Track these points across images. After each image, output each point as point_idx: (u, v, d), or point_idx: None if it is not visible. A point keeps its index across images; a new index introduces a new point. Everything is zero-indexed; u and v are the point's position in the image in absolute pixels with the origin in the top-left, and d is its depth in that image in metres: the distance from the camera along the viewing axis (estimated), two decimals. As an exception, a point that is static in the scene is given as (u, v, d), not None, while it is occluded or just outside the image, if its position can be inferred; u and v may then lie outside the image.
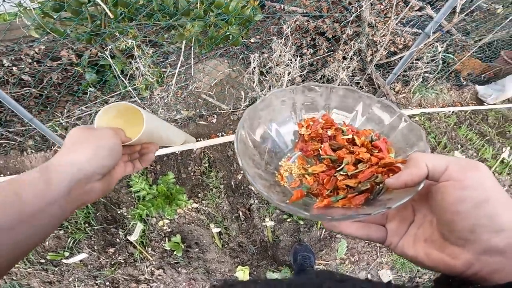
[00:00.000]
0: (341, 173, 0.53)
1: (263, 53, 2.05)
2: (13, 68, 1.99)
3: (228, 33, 1.98)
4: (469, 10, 2.18)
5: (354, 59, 2.20)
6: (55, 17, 1.73)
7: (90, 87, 2.12)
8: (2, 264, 0.37)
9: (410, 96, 2.44)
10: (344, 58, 2.20)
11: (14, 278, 1.65)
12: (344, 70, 2.19)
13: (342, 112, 0.64)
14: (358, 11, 2.07)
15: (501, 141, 2.35)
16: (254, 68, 2.05)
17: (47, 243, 1.70)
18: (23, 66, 2.01)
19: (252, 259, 1.80)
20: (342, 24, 2.15)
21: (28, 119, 1.66)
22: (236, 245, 1.82)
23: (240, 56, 2.17)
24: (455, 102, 2.60)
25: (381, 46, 2.16)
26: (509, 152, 2.13)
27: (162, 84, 2.14)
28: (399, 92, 2.44)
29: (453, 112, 2.47)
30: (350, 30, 2.11)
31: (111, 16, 1.73)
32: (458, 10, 1.94)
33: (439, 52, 2.36)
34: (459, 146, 2.26)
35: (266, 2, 2.27)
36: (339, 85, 2.22)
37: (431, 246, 0.39)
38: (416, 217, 0.44)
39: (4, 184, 0.40)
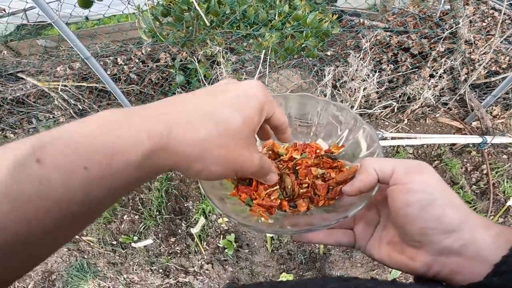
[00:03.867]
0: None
1: (338, 66, 2.01)
2: (125, 66, 2.36)
3: (304, 45, 2.00)
4: None
5: (443, 78, 1.99)
6: (162, 21, 1.98)
7: (178, 88, 2.39)
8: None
9: (510, 122, 2.10)
10: (431, 76, 2.01)
11: (85, 256, 1.95)
12: (430, 89, 2.00)
13: (303, 122, 0.63)
14: (454, 28, 1.86)
15: None
16: (328, 81, 2.03)
17: (123, 225, 1.99)
18: (132, 65, 2.37)
19: (298, 268, 1.81)
20: (432, 40, 1.96)
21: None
22: (285, 252, 1.86)
23: (315, 69, 2.16)
24: None
25: (480, 65, 1.91)
26: None
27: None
28: (497, 116, 2.12)
29: None
30: (442, 47, 1.91)
31: (207, 23, 1.92)
32: None
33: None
34: None
35: (344, 16, 2.21)
36: (422, 105, 2.06)
37: (393, 248, 0.39)
38: (381, 218, 0.44)
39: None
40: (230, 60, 2.20)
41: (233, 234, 1.89)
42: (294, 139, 0.64)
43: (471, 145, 2.06)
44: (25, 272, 0.26)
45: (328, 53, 2.07)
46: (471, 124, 2.11)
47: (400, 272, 1.75)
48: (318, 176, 0.56)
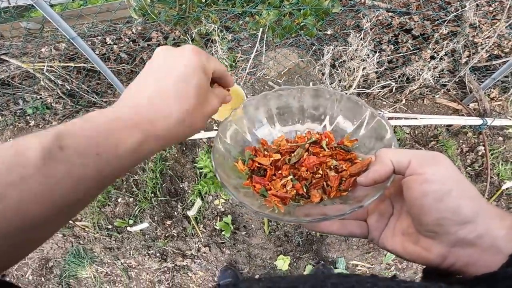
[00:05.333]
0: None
1: (337, 46, 1.95)
2: (114, 46, 2.27)
3: (303, 24, 1.93)
4: None
5: (444, 60, 1.96)
6: None
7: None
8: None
9: (507, 105, 2.10)
10: (432, 57, 1.97)
11: (81, 242, 1.93)
12: (430, 70, 1.97)
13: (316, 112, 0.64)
14: (460, 10, 1.81)
15: None
16: (327, 60, 1.98)
17: (117, 209, 1.96)
18: (122, 45, 2.27)
19: (295, 250, 1.83)
20: (436, 22, 1.91)
21: (121, 89, 1.91)
22: (283, 234, 1.87)
23: (313, 48, 2.10)
24: None
25: (483, 49, 1.88)
26: None
27: (235, 68, 2.22)
28: (495, 99, 2.11)
29: None
30: (446, 29, 1.86)
31: (202, 0, 1.82)
32: None
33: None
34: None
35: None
36: (420, 86, 2.03)
37: (407, 239, 0.40)
38: (394, 210, 0.44)
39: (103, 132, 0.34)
40: (226, 38, 2.13)
41: (230, 216, 1.88)
42: (307, 130, 0.65)
43: (467, 126, 2.06)
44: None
45: (328, 32, 2.00)
46: (468, 105, 2.10)
47: (393, 257, 1.78)
48: (331, 167, 0.56)
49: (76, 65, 2.16)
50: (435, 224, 0.34)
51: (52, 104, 2.24)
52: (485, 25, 1.87)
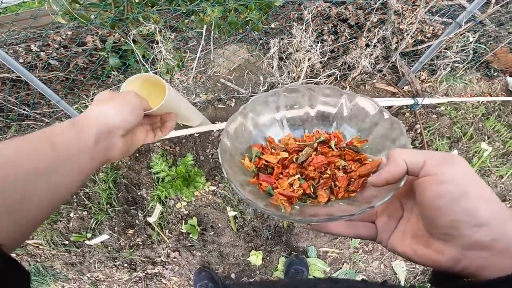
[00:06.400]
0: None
1: (282, 39, 2.02)
2: (41, 53, 2.07)
3: (248, 19, 1.96)
4: (505, 2, 2.07)
5: (377, 47, 2.14)
6: (81, 2, 1.76)
7: (113, 71, 2.17)
8: (39, 211, 0.39)
9: (436, 86, 2.35)
10: (367, 45, 2.14)
11: (38, 260, 1.73)
12: (366, 58, 2.13)
13: (327, 107, 0.63)
14: (383, -2, 2.01)
15: (532, 134, 2.23)
16: (274, 53, 2.03)
17: (71, 224, 1.77)
18: (50, 51, 2.08)
19: (266, 244, 1.81)
20: (366, 11, 2.08)
21: (56, 101, 1.73)
22: (251, 230, 1.83)
23: (260, 42, 2.15)
24: (484, 93, 2.48)
25: (408, 35, 2.08)
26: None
27: (183, 68, 2.17)
28: (425, 81, 2.36)
29: (481, 102, 2.37)
30: (375, 17, 2.04)
31: (136, 0, 1.75)
32: (493, 0, 1.85)
33: (471, 42, 2.26)
34: (486, 137, 2.17)
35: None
36: (360, 73, 2.19)
37: (418, 242, 0.39)
38: (405, 212, 0.43)
39: (37, 133, 0.42)
40: (169, 38, 2.07)
41: (195, 218, 1.80)
42: (316, 128, 0.65)
43: (405, 107, 2.26)
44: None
45: (272, 25, 2.06)
46: (403, 88, 2.31)
47: (360, 240, 1.84)
48: (340, 167, 0.56)
49: (-2, 75, 1.92)
50: (450, 226, 0.33)
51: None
52: (407, 11, 2.08)
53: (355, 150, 0.58)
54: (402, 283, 1.73)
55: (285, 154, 0.58)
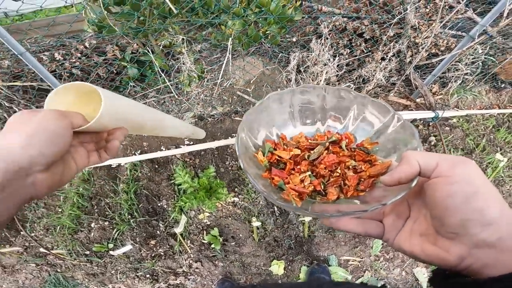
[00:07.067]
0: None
1: (301, 52, 2.07)
2: (65, 62, 2.08)
3: (268, 32, 2.00)
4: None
5: (392, 60, 2.19)
6: (114, 11, 1.78)
7: (131, 82, 2.19)
8: None
9: (447, 98, 2.40)
10: (382, 59, 2.19)
11: (58, 270, 1.74)
12: (381, 71, 2.18)
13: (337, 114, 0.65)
14: (403, 13, 2.06)
15: (541, 146, 2.29)
16: (293, 66, 2.07)
17: (92, 234, 1.78)
18: (73, 60, 2.10)
19: (287, 253, 1.83)
20: (384, 26, 2.13)
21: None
22: (272, 240, 1.85)
23: (279, 55, 2.19)
24: (493, 104, 2.54)
25: (423, 48, 2.14)
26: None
27: (202, 79, 2.20)
28: (436, 93, 2.41)
29: (490, 115, 2.42)
30: (392, 32, 2.09)
31: (174, 11, 1.78)
32: (505, 14, 1.90)
33: (481, 54, 2.32)
34: (498, 148, 2.22)
35: (303, 2, 2.28)
36: (374, 86, 2.23)
37: (426, 240, 0.40)
38: (412, 212, 0.45)
39: None
40: (193, 50, 2.11)
41: (216, 229, 1.82)
42: (327, 129, 0.67)
43: (418, 120, 2.30)
44: None
45: (294, 39, 2.11)
46: (415, 101, 2.36)
47: (380, 248, 1.87)
48: (350, 167, 0.57)
49: (23, 84, 1.93)
50: (459, 225, 0.35)
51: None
52: (423, 26, 2.13)
53: (366, 151, 0.60)
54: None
55: (298, 151, 0.60)
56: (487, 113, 2.39)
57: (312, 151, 0.60)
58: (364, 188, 0.53)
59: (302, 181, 0.55)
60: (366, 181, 0.53)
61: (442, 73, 2.34)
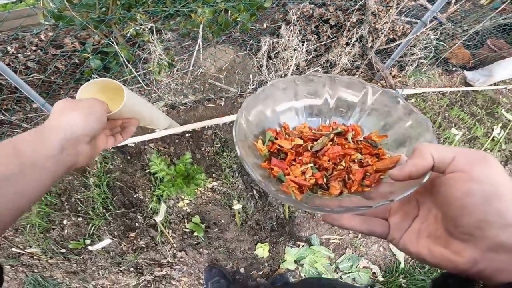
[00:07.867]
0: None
1: (270, 38, 2.10)
2: (19, 55, 1.94)
3: (239, 19, 2.01)
4: (463, 1, 2.33)
5: (356, 45, 2.30)
6: (75, 2, 1.70)
7: (93, 74, 2.10)
8: (7, 213, 0.43)
9: (405, 80, 2.57)
10: (347, 44, 2.29)
11: (35, 270, 1.62)
12: (346, 55, 2.28)
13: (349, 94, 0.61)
14: (363, 0, 2.17)
15: (490, 120, 2.52)
16: (264, 52, 2.10)
17: (65, 231, 1.68)
18: (28, 53, 1.97)
19: (271, 236, 1.85)
20: (347, 12, 2.23)
21: (40, 104, 1.64)
22: (254, 223, 1.86)
23: (250, 42, 2.21)
24: (445, 86, 2.76)
25: (382, 33, 2.27)
26: (499, 131, 2.30)
27: (173, 67, 2.15)
28: (395, 76, 2.56)
29: (443, 94, 2.63)
30: (354, 18, 2.20)
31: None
32: (453, 1, 2.08)
33: (432, 40, 2.50)
34: (453, 125, 2.41)
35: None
36: (340, 70, 2.33)
37: (434, 242, 0.37)
38: (421, 212, 0.41)
39: (4, 141, 0.45)
40: (162, 38, 2.06)
41: (198, 216, 1.79)
42: (333, 119, 0.63)
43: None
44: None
45: (264, 25, 2.14)
46: (378, 83, 2.50)
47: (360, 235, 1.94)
48: (355, 160, 0.54)
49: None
50: (476, 226, 0.32)
51: None
52: (382, 12, 2.27)
53: (373, 144, 0.55)
54: (402, 264, 1.86)
55: (300, 141, 0.56)
56: (440, 91, 2.59)
57: (315, 142, 0.57)
58: (369, 183, 0.49)
59: (303, 173, 0.52)
60: (372, 176, 0.50)
61: (400, 57, 2.50)
